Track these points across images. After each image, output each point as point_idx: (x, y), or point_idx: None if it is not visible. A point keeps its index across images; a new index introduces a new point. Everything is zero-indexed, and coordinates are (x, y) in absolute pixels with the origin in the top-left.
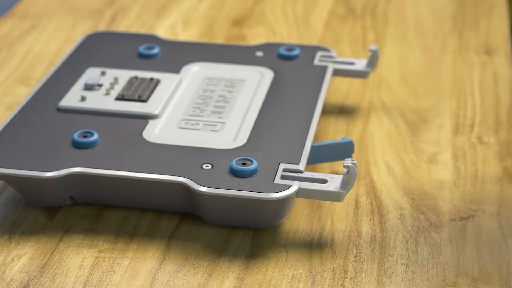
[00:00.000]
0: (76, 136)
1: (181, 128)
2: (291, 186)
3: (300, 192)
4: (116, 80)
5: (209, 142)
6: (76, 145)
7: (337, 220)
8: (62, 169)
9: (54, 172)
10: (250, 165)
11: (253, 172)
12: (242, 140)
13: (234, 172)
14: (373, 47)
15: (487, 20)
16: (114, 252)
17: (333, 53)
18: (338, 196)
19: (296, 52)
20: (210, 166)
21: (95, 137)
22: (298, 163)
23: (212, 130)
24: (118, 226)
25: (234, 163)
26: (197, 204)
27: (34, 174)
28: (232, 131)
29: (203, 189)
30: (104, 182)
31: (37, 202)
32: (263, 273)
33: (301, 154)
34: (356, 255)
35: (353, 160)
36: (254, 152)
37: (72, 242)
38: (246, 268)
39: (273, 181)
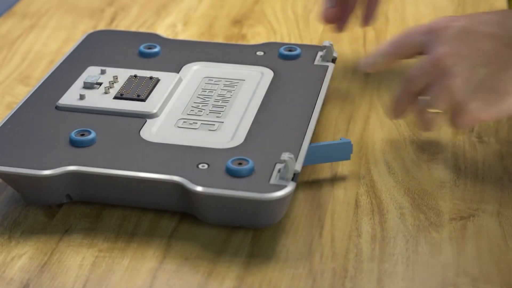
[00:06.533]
0: (73, 134)
1: (178, 127)
2: (286, 186)
3: None
4: (115, 78)
5: (206, 141)
6: (73, 143)
7: (337, 219)
8: (58, 167)
9: (51, 170)
10: (246, 165)
11: (249, 172)
12: (239, 139)
13: (230, 172)
14: (326, 43)
15: None
16: (114, 251)
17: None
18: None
19: (297, 51)
20: (206, 166)
21: (92, 135)
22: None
23: (210, 130)
24: (118, 225)
25: (230, 163)
26: (193, 204)
27: (31, 172)
28: (229, 131)
29: (198, 188)
30: (100, 181)
31: (33, 200)
32: (263, 273)
33: (298, 154)
34: (356, 254)
35: (290, 154)
36: (250, 152)
37: (72, 242)
38: (246, 268)
39: (269, 181)
